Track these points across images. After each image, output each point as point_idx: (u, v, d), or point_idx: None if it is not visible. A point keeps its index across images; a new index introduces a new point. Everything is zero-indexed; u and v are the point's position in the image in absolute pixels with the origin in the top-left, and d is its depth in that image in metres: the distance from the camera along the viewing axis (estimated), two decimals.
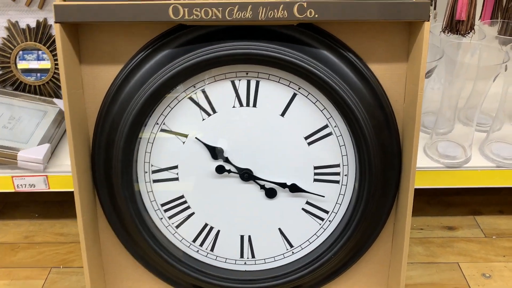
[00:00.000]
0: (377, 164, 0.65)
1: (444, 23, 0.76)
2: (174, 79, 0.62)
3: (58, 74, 0.92)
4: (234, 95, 0.65)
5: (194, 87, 0.64)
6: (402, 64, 0.65)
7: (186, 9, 0.58)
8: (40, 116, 0.92)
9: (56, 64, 0.96)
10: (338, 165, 0.67)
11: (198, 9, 0.58)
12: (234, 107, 0.65)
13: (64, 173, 0.83)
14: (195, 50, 0.62)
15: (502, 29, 0.90)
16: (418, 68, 0.61)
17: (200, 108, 0.65)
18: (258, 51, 0.61)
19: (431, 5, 0.87)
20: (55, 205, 0.97)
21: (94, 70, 0.65)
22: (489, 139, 0.90)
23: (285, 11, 0.58)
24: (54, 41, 0.95)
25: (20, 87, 0.98)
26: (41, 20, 0.95)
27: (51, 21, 0.96)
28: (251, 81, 0.64)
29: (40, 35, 0.96)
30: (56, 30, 0.59)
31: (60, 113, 0.93)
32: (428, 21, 0.59)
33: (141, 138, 0.66)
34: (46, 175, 0.83)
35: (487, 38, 0.86)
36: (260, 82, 0.64)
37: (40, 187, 0.84)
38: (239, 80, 0.64)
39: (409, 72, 0.64)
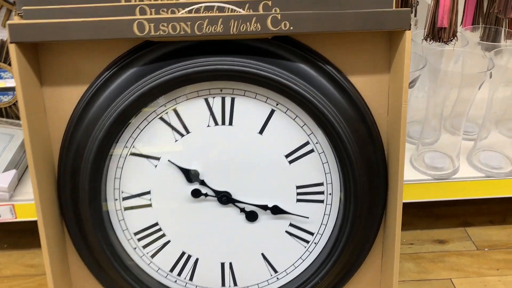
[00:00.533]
0: (362, 180, 0.61)
1: (426, 31, 0.73)
2: (143, 98, 0.58)
3: None
4: (208, 113, 0.61)
5: (165, 106, 0.60)
6: (384, 75, 0.62)
7: (152, 25, 0.54)
8: (6, 140, 0.87)
9: None
10: (321, 184, 0.63)
11: (165, 24, 0.54)
12: (208, 126, 0.61)
13: (32, 201, 0.78)
14: (164, 67, 0.58)
15: (484, 35, 0.88)
16: (401, 79, 0.58)
17: (172, 129, 0.61)
18: (231, 67, 0.57)
19: (411, 12, 0.85)
20: (25, 234, 0.91)
21: (56, 92, 0.61)
22: (476, 148, 0.87)
23: (258, 24, 0.55)
24: None
25: None
26: (5, 39, 0.91)
27: None
28: (225, 98, 0.60)
29: (5, 54, 0.91)
30: (12, 51, 0.55)
31: None
32: (410, 30, 0.56)
33: (109, 163, 0.61)
34: (12, 204, 0.78)
35: (470, 45, 0.84)
36: (235, 99, 0.60)
37: (6, 217, 0.78)
38: (213, 98, 0.60)
39: (392, 84, 0.61)
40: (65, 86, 0.61)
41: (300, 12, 0.55)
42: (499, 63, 0.80)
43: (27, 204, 0.78)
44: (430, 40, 0.73)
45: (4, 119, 0.92)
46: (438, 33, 0.71)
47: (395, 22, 0.55)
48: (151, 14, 0.59)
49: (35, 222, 0.77)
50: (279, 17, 0.54)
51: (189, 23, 0.54)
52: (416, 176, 0.82)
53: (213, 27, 0.55)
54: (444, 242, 0.88)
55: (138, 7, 0.59)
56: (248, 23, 0.55)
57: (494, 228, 0.91)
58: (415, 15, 0.85)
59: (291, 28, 0.55)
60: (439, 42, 0.72)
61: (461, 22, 0.94)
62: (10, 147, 0.85)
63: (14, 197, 0.79)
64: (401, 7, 0.82)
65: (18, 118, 0.93)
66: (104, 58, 0.60)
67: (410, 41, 0.56)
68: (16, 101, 0.92)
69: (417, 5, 0.85)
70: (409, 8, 0.54)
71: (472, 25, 0.93)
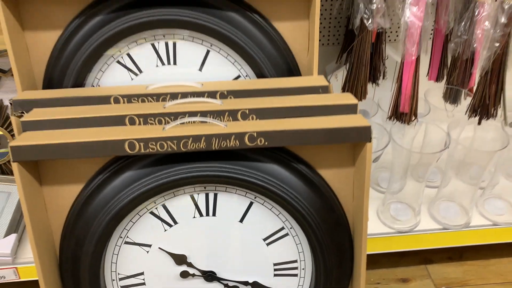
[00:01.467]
0: (331, 260, 0.70)
1: (389, 112, 0.80)
2: (136, 201, 0.65)
3: None
4: (194, 207, 0.68)
5: (155, 202, 0.67)
6: (350, 168, 0.69)
7: (141, 144, 0.61)
8: (3, 199, 0.92)
9: None
10: (295, 261, 0.72)
11: (154, 143, 0.61)
12: (194, 217, 0.69)
13: (33, 263, 0.85)
14: (155, 173, 0.64)
15: (446, 94, 0.95)
16: (362, 177, 0.66)
17: (162, 221, 0.68)
18: (215, 173, 0.64)
19: (380, 75, 0.92)
20: None
21: (55, 190, 0.67)
22: (437, 198, 0.96)
23: (236, 141, 0.61)
24: (11, 122, 0.94)
25: None
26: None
27: (6, 101, 0.95)
28: (209, 194, 0.68)
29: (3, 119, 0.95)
30: (14, 168, 0.61)
31: None
32: (370, 142, 0.63)
33: (106, 251, 0.69)
34: (15, 267, 0.85)
35: (432, 110, 0.91)
36: (218, 194, 0.68)
37: (11, 278, 0.85)
38: (198, 194, 0.68)
39: (356, 176, 0.69)
40: (62, 185, 0.67)
41: (273, 130, 0.61)
42: (456, 130, 0.88)
43: (29, 266, 0.85)
44: (393, 120, 0.80)
45: (0, 176, 0.97)
46: (400, 116, 0.78)
47: (357, 137, 0.63)
48: (139, 123, 0.65)
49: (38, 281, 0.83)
50: (255, 135, 0.61)
51: (175, 141, 0.61)
52: (381, 230, 0.91)
53: (197, 144, 0.61)
54: (407, 281, 0.99)
55: (128, 117, 0.65)
56: (228, 140, 0.61)
57: (452, 265, 1.02)
58: (384, 77, 0.92)
59: (266, 143, 0.62)
60: (401, 123, 0.80)
61: (427, 74, 1.01)
62: (8, 208, 0.91)
63: (17, 260, 0.86)
64: (369, 70, 0.89)
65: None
66: (98, 160, 0.66)
67: (371, 150, 0.63)
68: None
69: (385, 70, 0.91)
70: (369, 125, 0.61)
71: (436, 78, 1.00)
